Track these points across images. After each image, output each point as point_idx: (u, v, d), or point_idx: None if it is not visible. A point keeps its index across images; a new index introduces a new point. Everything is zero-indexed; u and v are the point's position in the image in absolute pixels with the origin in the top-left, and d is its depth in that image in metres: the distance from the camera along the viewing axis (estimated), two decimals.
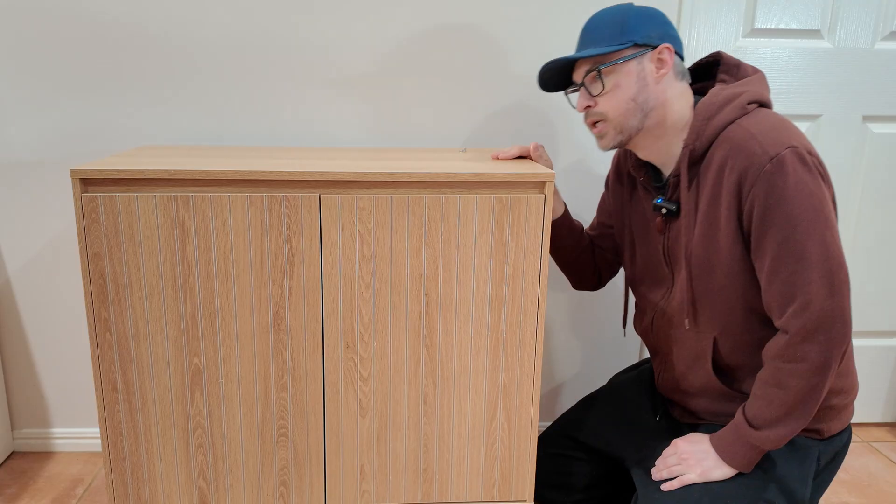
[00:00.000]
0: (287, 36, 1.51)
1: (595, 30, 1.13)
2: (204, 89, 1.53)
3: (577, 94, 1.20)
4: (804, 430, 1.13)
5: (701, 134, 1.08)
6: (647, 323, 1.28)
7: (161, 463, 1.17)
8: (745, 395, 1.14)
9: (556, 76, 1.19)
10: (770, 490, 1.10)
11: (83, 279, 1.08)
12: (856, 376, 1.18)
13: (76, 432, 1.73)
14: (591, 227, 1.41)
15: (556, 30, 1.55)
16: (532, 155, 1.28)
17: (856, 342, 1.85)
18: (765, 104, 1.11)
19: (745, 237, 1.06)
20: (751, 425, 1.07)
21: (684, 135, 1.11)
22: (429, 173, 1.07)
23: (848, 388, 1.15)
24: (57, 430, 1.73)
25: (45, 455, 1.72)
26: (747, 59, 1.62)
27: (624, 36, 1.09)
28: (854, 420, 1.91)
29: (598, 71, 1.10)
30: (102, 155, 1.56)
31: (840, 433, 1.17)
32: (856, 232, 1.77)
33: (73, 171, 1.04)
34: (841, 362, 1.04)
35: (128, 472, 1.18)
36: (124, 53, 1.50)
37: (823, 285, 0.99)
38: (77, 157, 1.55)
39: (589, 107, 1.15)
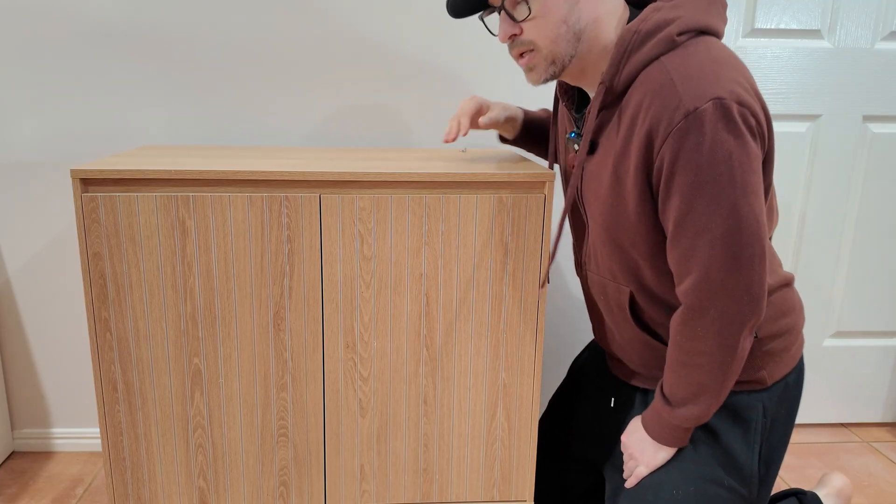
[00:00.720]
0: (288, 35, 1.51)
1: None
2: (204, 89, 1.53)
3: (492, 16, 1.02)
4: (744, 384, 1.05)
5: (620, 69, 0.93)
6: (580, 268, 1.18)
7: (161, 463, 1.17)
8: None
9: None
10: (716, 468, 1.03)
11: (83, 279, 1.08)
12: (797, 314, 1.08)
13: (76, 432, 1.73)
14: None
15: None
16: (478, 122, 1.16)
17: (856, 342, 1.85)
18: (706, 31, 0.93)
19: (654, 196, 0.94)
20: (668, 403, 1.00)
21: None
22: (429, 173, 1.07)
23: (785, 330, 1.06)
24: (57, 430, 1.73)
25: (45, 455, 1.71)
26: (747, 58, 1.62)
27: None
28: (853, 420, 1.91)
29: None
30: (102, 155, 1.56)
31: (786, 375, 1.07)
32: (856, 232, 1.77)
33: (73, 171, 1.04)
34: (753, 334, 0.95)
35: (128, 472, 1.18)
36: (124, 53, 1.50)
37: (727, 259, 0.89)
38: (77, 157, 1.55)
39: (514, 35, 0.98)
